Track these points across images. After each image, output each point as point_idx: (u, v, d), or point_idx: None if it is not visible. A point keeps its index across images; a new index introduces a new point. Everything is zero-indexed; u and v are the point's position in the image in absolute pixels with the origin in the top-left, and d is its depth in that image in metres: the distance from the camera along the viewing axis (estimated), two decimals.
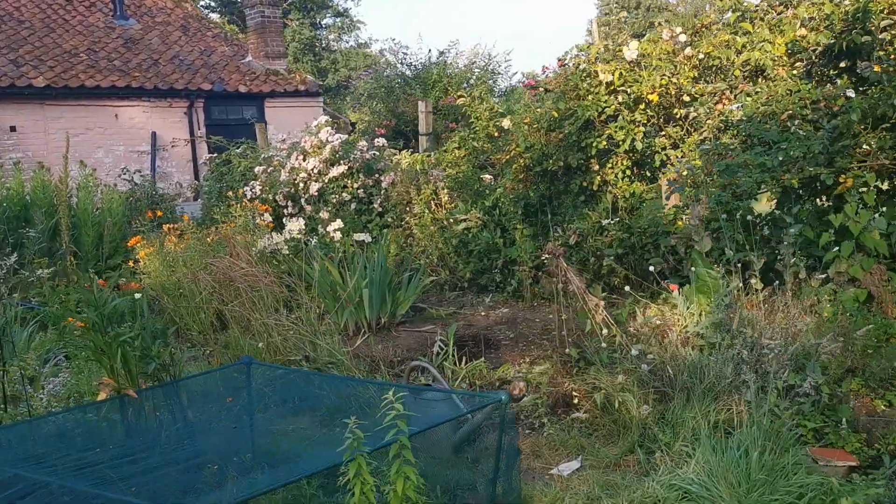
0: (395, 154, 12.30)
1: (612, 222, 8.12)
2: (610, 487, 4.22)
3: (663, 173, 8.57)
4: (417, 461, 4.18)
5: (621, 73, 7.79)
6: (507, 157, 9.09)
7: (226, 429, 4.62)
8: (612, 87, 7.98)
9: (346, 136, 12.20)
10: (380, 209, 11.71)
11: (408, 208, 11.14)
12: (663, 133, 8.12)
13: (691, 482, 3.94)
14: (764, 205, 6.04)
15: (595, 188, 8.66)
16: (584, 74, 8.20)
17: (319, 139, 12.17)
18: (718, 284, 5.22)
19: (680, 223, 7.38)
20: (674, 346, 5.00)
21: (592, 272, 8.56)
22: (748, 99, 6.97)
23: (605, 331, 5.43)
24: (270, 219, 10.56)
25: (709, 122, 7.24)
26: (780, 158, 5.71)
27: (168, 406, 4.58)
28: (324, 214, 11.65)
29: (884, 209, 6.04)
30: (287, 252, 9.52)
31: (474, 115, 9.88)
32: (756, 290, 5.30)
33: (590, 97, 8.13)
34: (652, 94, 7.63)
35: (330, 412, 4.88)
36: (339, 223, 10.32)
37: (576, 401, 5.35)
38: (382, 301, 8.39)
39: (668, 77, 7.61)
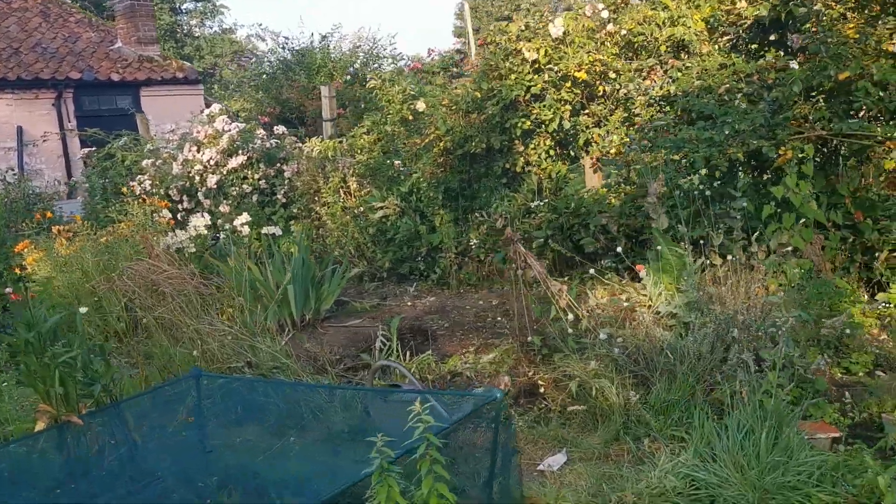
0: (297, 142, 11.76)
1: (541, 204, 7.97)
2: (609, 480, 4.03)
3: (587, 152, 8.50)
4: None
5: (546, 50, 7.62)
6: (426, 140, 8.79)
7: (185, 452, 4.15)
8: (537, 66, 7.80)
9: (244, 124, 11.56)
10: (284, 200, 11.18)
11: (315, 198, 10.67)
12: (586, 111, 8.02)
13: (696, 468, 3.80)
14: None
15: (518, 170, 8.49)
16: (506, 53, 7.98)
17: (215, 128, 11.49)
18: (683, 262, 5.13)
19: (613, 201, 7.31)
20: (645, 327, 4.86)
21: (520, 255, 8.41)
22: (679, 74, 6.94)
23: (570, 316, 5.24)
24: (170, 215, 9.87)
25: (640, 98, 7.17)
26: (727, 132, 5.69)
27: (112, 431, 4.07)
28: (224, 208, 11.02)
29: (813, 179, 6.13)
30: (194, 250, 8.90)
31: (385, 99, 9.51)
32: (715, 265, 5.25)
33: (513, 76, 7.93)
34: (579, 71, 7.50)
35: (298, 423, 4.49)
36: (246, 217, 9.74)
37: (542, 390, 5.15)
38: (306, 297, 7.95)
39: (594, 54, 7.50)
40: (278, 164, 11.34)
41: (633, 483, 3.88)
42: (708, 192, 5.55)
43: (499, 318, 7.92)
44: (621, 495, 3.79)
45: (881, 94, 5.72)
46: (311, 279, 7.99)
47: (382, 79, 9.42)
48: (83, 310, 5.04)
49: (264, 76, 21.83)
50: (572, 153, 8.42)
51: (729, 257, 5.24)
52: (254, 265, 7.85)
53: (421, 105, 9.23)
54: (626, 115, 7.70)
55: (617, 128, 7.75)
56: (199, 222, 9.18)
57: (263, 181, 11.22)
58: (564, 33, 7.55)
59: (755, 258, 5.70)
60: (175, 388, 4.38)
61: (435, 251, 9.05)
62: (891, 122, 5.70)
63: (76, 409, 3.93)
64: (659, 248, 5.18)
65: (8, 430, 4.38)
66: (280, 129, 11.80)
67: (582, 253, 8.44)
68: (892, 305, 5.83)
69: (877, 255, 6.40)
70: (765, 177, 6.06)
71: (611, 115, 7.90)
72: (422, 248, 8.96)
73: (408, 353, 6.62)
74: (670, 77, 7.09)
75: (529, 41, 7.82)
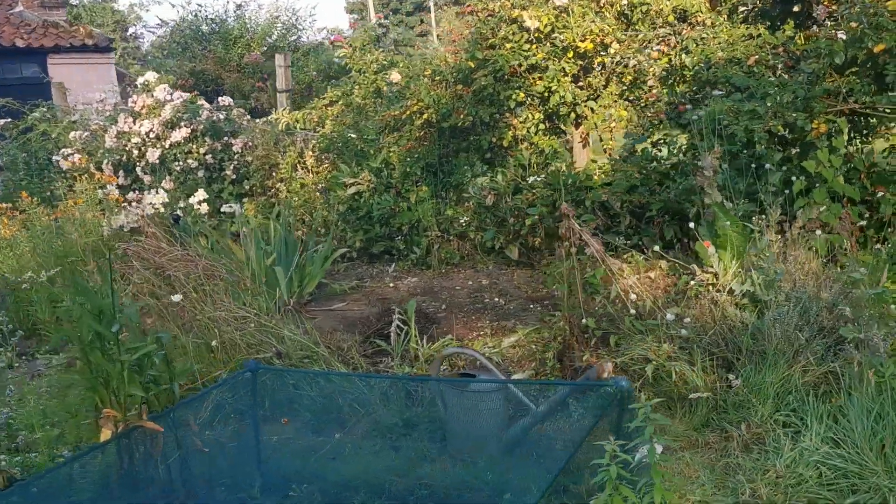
0: (245, 115, 11.01)
1: (537, 179, 7.66)
2: (727, 470, 3.78)
3: (577, 126, 8.24)
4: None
5: (549, 19, 7.28)
6: (407, 112, 8.31)
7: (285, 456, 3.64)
8: (538, 35, 7.45)
9: (187, 94, 10.73)
10: (234, 176, 10.46)
11: (272, 174, 10.01)
12: (580, 84, 7.75)
13: (828, 455, 3.59)
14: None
15: (506, 144, 8.15)
16: (500, 21, 7.59)
17: (155, 98, 10.61)
18: (745, 238, 4.93)
19: (616, 177, 7.08)
20: (720, 307, 4.63)
21: (512, 233, 8.10)
22: (693, 45, 6.74)
23: (632, 296, 4.96)
24: (118, 192, 9.03)
25: (652, 70, 6.94)
26: (769, 104, 5.52)
27: (185, 437, 3.51)
28: (167, 184, 10.21)
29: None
30: (153, 230, 8.13)
31: (356, 69, 8.95)
32: (771, 241, 5.07)
33: (508, 45, 7.55)
34: (584, 41, 7.20)
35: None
36: (202, 194, 9.03)
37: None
38: (290, 279, 7.38)
39: (599, 24, 7.21)
40: (226, 138, 10.60)
41: (760, 473, 3.64)
42: (753, 166, 5.37)
43: (496, 299, 7.60)
44: (754, 487, 3.54)
45: None
46: (298, 260, 7.43)
47: (354, 47, 8.85)
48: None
49: (176, 46, 20.65)
50: (562, 128, 8.14)
51: (786, 234, 5.07)
52: (235, 245, 7.21)
53: (395, 76, 8.73)
54: (623, 87, 7.47)
55: (615, 101, 7.51)
56: (156, 199, 8.43)
57: (210, 156, 10.46)
58: (569, 2, 7.23)
59: (789, 234, 5.57)
60: (232, 384, 3.85)
61: (413, 229, 8.61)
62: None
63: (139, 413, 3.36)
64: (726, 223, 4.94)
65: (33, 438, 3.73)
66: (226, 100, 11.02)
67: None
68: None
69: (889, 230, 6.40)
70: (793, 151, 5.93)
71: (604, 88, 7.65)
72: (402, 226, 8.50)
73: (425, 339, 6.21)
74: (684, 49, 6.88)
75: (525, 9, 7.46)
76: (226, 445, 3.76)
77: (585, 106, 7.67)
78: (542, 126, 8.03)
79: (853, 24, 5.48)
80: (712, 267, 4.86)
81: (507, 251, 8.26)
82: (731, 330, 4.55)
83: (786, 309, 4.43)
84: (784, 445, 3.71)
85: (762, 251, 4.64)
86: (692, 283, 4.86)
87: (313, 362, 5.04)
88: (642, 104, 7.61)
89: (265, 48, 20.86)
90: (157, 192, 8.52)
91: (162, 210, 8.40)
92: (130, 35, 35.56)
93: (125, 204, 8.80)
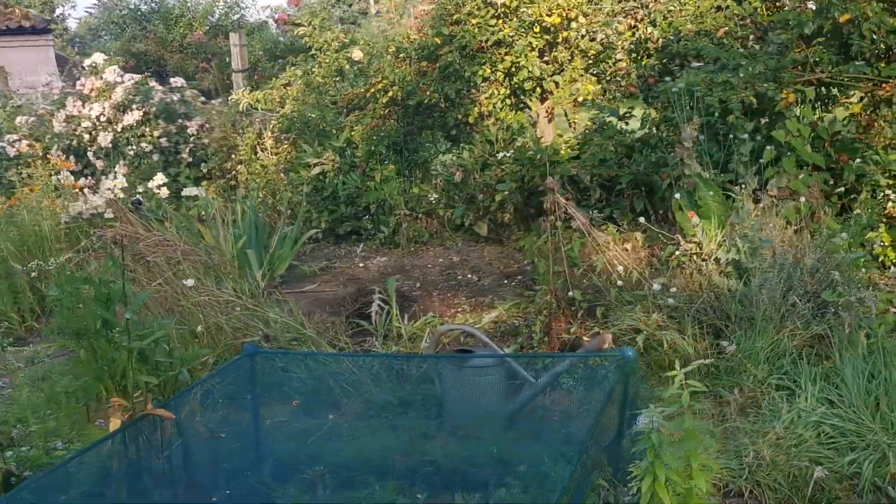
0: (199, 96, 10.77)
1: (507, 155, 7.66)
2: (728, 434, 3.87)
3: (542, 101, 8.26)
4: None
5: None
6: (371, 90, 8.22)
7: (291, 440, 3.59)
8: (504, 10, 7.43)
9: (139, 75, 10.44)
10: (190, 159, 10.24)
11: (231, 156, 9.82)
12: (546, 59, 7.76)
13: (825, 416, 3.70)
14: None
15: (472, 120, 8.13)
16: None
17: (105, 81, 10.30)
18: (725, 208, 5.02)
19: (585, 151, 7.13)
20: (707, 275, 4.71)
21: (482, 209, 8.11)
22: (660, 18, 6.79)
23: (619, 267, 5.01)
24: (73, 178, 8.76)
25: (620, 43, 6.98)
26: (741, 75, 5.61)
27: (178, 424, 3.44)
28: (121, 169, 9.95)
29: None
30: (112, 216, 7.92)
31: (316, 47, 8.81)
32: (748, 209, 5.18)
33: (474, 21, 7.52)
34: (550, 16, 7.20)
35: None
36: (161, 178, 8.81)
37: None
38: (260, 262, 7.27)
39: None
40: (180, 121, 10.36)
41: (760, 435, 3.73)
42: (732, 136, 5.47)
43: (469, 276, 7.61)
44: (756, 448, 3.63)
45: (874, 36, 5.83)
46: (267, 242, 7.32)
47: (313, 25, 8.70)
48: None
49: (113, 26, 20.07)
50: (527, 102, 8.15)
51: (761, 203, 5.18)
52: (203, 228, 7.06)
53: (357, 53, 8.63)
54: (589, 62, 7.51)
55: (581, 75, 7.54)
56: (115, 184, 8.19)
57: (165, 139, 10.22)
58: None
59: (763, 203, 5.69)
60: (232, 369, 3.78)
61: (380, 208, 8.55)
62: (890, 65, 5.82)
63: (145, 401, 3.28)
64: (708, 193, 5.02)
65: (27, 432, 3.61)
66: (178, 81, 10.75)
67: (541, 208, 8.24)
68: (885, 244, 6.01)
69: (853, 196, 6.59)
70: (761, 122, 6.05)
71: (570, 63, 7.68)
72: (369, 205, 8.43)
73: (405, 317, 6.19)
74: (651, 21, 6.93)
75: None
76: (228, 431, 3.70)
77: (551, 80, 7.69)
78: (507, 101, 8.03)
79: None
80: (695, 236, 4.94)
81: (475, 228, 8.27)
82: (717, 298, 4.65)
83: (770, 275, 4.54)
84: (782, 408, 3.81)
85: (744, 220, 4.73)
86: (677, 252, 4.94)
87: (301, 344, 4.99)
88: (607, 78, 7.66)
89: (207, 28, 20.43)
90: (115, 177, 8.28)
91: (121, 195, 8.17)
92: (58, 16, 34.41)
93: (78, 190, 8.54)
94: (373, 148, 8.51)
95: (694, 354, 4.45)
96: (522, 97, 8.12)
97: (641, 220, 5.46)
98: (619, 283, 4.97)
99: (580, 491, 2.88)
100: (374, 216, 8.51)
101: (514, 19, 7.33)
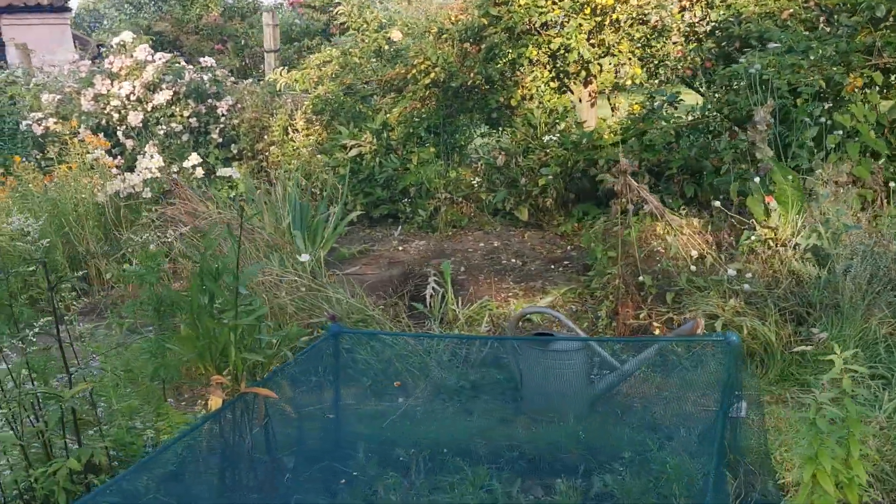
0: (229, 76, 10.63)
1: (553, 139, 7.55)
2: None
3: (585, 84, 8.13)
4: None
5: None
6: (412, 71, 8.09)
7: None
8: None
9: (169, 54, 10.30)
10: (219, 140, 10.11)
11: (263, 136, 9.69)
12: (593, 41, 7.63)
13: None
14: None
15: (514, 103, 8.01)
16: None
17: (135, 59, 10.15)
18: (801, 193, 4.91)
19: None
20: (787, 262, 4.61)
21: (524, 193, 7.99)
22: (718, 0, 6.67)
23: (692, 252, 4.90)
24: (109, 157, 8.62)
25: (675, 25, 6.85)
26: (812, 58, 5.50)
27: (265, 405, 3.33)
28: (150, 149, 9.81)
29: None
30: (150, 195, 7.80)
31: (354, 27, 8.67)
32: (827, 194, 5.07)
33: (522, 1, 7.38)
34: None
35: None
36: (195, 157, 8.68)
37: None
38: (305, 243, 7.16)
39: None
40: (210, 101, 10.22)
41: (869, 425, 3.63)
42: (796, 120, 5.36)
43: (513, 260, 7.51)
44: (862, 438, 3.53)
45: None
46: (311, 223, 7.21)
47: (352, 5, 8.56)
48: None
49: (129, 6, 19.87)
50: (572, 85, 8.02)
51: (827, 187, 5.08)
52: (249, 208, 6.93)
53: (396, 34, 8.49)
54: (636, 46, 7.39)
55: (629, 59, 7.42)
56: (152, 164, 8.06)
57: (194, 119, 10.09)
58: None
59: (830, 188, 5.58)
60: (320, 349, 3.68)
61: (418, 192, 8.43)
62: None
63: (239, 380, 3.18)
64: (788, 177, 4.91)
65: (111, 411, 3.51)
66: (208, 60, 10.60)
67: (581, 193, 8.13)
68: None
69: None
70: (825, 106, 5.93)
71: (617, 45, 7.55)
72: (408, 187, 8.32)
73: (460, 300, 6.10)
74: (709, 4, 6.80)
75: None
76: (314, 411, 3.61)
77: (597, 63, 7.56)
78: (551, 85, 7.91)
79: None
80: (771, 221, 4.83)
81: (516, 212, 8.16)
82: (798, 284, 4.54)
83: (854, 262, 4.44)
84: (883, 397, 3.71)
85: (822, 205, 4.63)
86: (752, 237, 4.83)
87: (367, 325, 4.89)
88: (655, 62, 7.54)
89: (223, 9, 20.23)
90: (151, 157, 8.15)
91: (158, 175, 8.04)
92: None
93: (114, 169, 8.41)
94: (411, 130, 8.39)
95: (776, 342, 4.35)
96: (566, 80, 7.99)
97: (717, 204, 5.32)
98: (693, 267, 4.86)
99: (721, 480, 2.79)
100: (413, 199, 8.39)
101: (566, 0, 7.19)
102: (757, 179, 4.98)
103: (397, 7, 18.25)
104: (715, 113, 5.89)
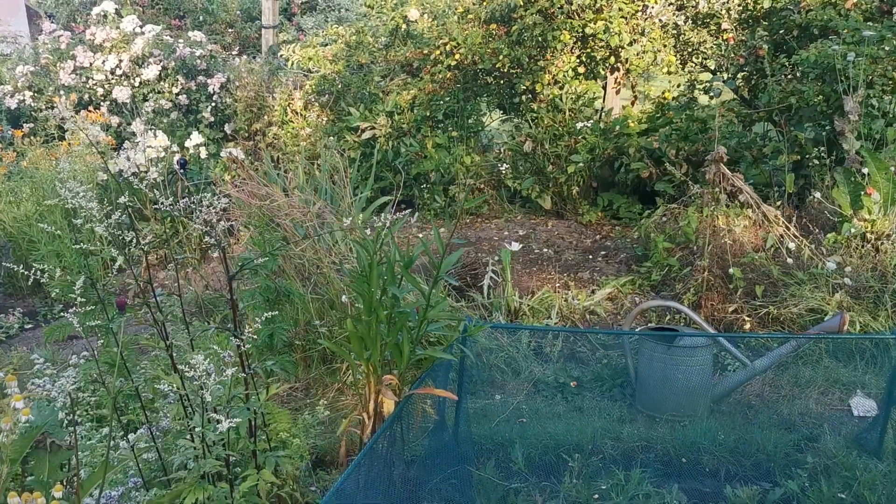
0: (222, 52, 10.08)
1: (586, 125, 7.34)
2: None
3: (612, 71, 7.94)
4: None
5: None
6: (435, 52, 7.76)
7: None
8: None
9: (158, 27, 9.71)
10: (211, 119, 9.59)
11: (262, 116, 9.20)
12: (626, 27, 7.43)
13: None
14: None
15: (540, 88, 7.76)
16: None
17: (122, 31, 9.54)
18: (893, 185, 4.80)
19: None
20: (893, 255, 4.49)
21: (550, 181, 7.76)
22: None
23: (790, 244, 4.74)
24: (108, 135, 8.05)
25: (724, 12, 6.68)
26: (886, 48, 5.40)
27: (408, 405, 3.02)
28: (138, 126, 9.23)
29: None
30: (157, 177, 7.29)
31: (367, 4, 8.28)
32: None
33: None
34: None
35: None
36: (197, 137, 8.18)
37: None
38: None
39: None
40: (200, 77, 9.68)
41: None
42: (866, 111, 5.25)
43: (545, 250, 7.28)
44: None
45: None
46: (338, 209, 6.83)
47: None
48: None
49: None
50: (600, 71, 7.82)
51: None
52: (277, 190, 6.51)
53: (413, 13, 8.14)
54: (674, 32, 7.24)
55: (664, 45, 7.26)
56: (158, 142, 7.55)
57: (184, 96, 9.54)
58: None
59: None
60: (454, 345, 3.37)
61: (437, 178, 8.11)
62: None
63: (403, 380, 2.87)
64: (884, 171, 4.79)
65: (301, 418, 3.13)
66: (197, 35, 10.04)
67: (603, 182, 7.94)
68: None
69: None
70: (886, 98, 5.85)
71: (652, 32, 7.39)
72: (428, 173, 8.00)
73: (516, 291, 5.84)
74: None
75: None
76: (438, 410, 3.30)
77: (630, 49, 7.37)
78: (580, 69, 7.69)
79: None
80: (870, 213, 4.71)
81: (539, 200, 7.93)
82: None
83: None
84: None
85: None
86: (852, 230, 4.70)
87: None
88: (690, 49, 7.39)
89: None
90: (155, 136, 7.62)
91: (163, 155, 7.53)
92: None
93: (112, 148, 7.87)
94: (428, 113, 8.06)
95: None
96: (595, 66, 7.79)
97: (817, 195, 5.15)
98: (789, 260, 4.71)
99: None
100: (432, 185, 8.08)
101: None
102: (851, 168, 4.85)
103: None
104: (777, 102, 5.74)
